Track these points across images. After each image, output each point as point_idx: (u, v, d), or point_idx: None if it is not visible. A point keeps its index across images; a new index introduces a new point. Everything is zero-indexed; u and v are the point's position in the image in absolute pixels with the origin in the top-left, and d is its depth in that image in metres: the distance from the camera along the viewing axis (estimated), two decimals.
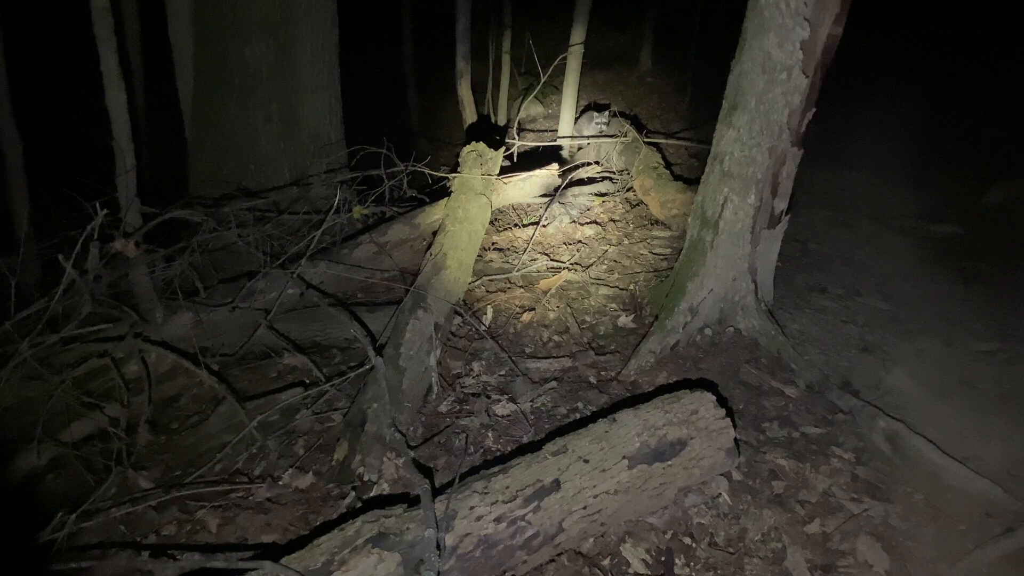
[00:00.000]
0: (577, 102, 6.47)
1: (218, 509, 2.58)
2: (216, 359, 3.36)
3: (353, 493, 2.57)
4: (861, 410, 2.90)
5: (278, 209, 4.03)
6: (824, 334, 3.54)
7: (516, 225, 4.76)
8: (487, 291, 3.93)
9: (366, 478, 2.63)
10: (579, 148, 6.10)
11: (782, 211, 3.31)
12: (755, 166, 3.16)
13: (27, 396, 3.00)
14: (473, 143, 4.51)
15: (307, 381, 3.24)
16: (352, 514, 2.14)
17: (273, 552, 2.03)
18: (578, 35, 6.08)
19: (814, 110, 3.11)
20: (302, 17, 4.17)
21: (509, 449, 2.77)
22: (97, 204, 2.77)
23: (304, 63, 4.23)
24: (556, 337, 3.57)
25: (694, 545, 2.36)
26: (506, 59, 7.62)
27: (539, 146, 5.65)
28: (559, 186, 4.77)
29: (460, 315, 3.57)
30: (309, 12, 4.20)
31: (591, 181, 5.35)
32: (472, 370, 3.30)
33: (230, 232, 3.68)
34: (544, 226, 4.64)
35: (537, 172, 4.87)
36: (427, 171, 4.30)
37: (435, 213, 4.09)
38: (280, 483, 2.70)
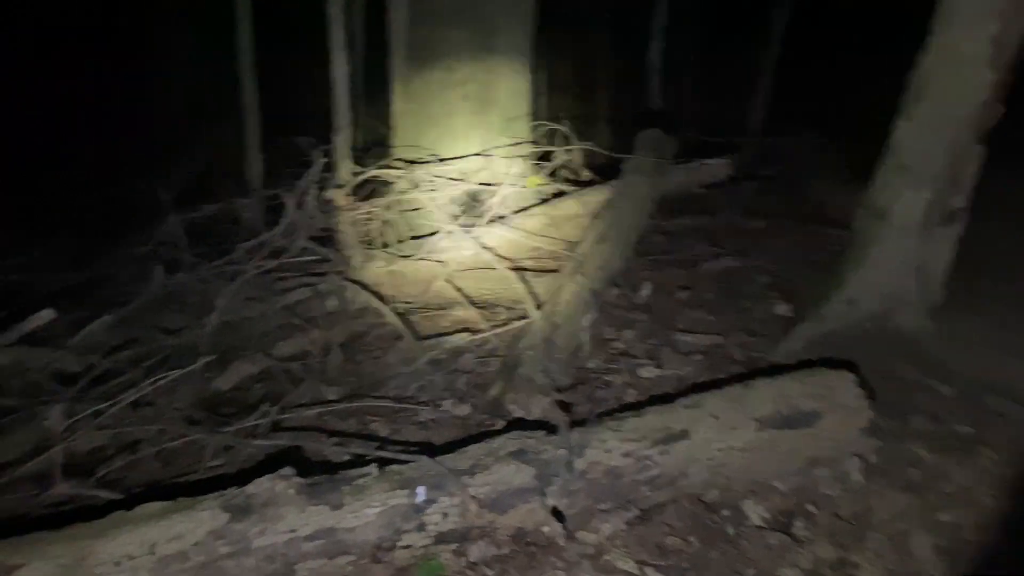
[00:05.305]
0: None
1: (388, 422, 3.01)
2: (399, 304, 3.82)
3: (503, 423, 2.89)
4: (1018, 414, 2.80)
5: (463, 177, 4.46)
6: (997, 343, 3.38)
7: (683, 213, 4.88)
8: (647, 269, 4.11)
9: (515, 414, 2.94)
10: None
11: (959, 209, 3.21)
12: (932, 160, 3.10)
13: (246, 315, 3.62)
14: (649, 128, 4.69)
15: (473, 330, 3.61)
16: (498, 435, 2.44)
17: (429, 451, 2.38)
18: None
19: (1002, 109, 3.00)
20: (502, 10, 4.58)
21: None
22: (321, 150, 3.29)
23: (501, 49, 4.63)
24: (709, 317, 3.70)
25: (816, 512, 2.44)
26: None
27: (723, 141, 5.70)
28: (729, 177, 4.83)
29: (617, 286, 3.79)
30: (509, 7, 4.62)
31: None
32: (623, 336, 3.51)
33: (422, 194, 4.15)
34: (712, 216, 4.74)
35: (708, 161, 4.96)
36: (600, 151, 4.56)
37: (604, 192, 4.33)
38: (441, 409, 3.08)
